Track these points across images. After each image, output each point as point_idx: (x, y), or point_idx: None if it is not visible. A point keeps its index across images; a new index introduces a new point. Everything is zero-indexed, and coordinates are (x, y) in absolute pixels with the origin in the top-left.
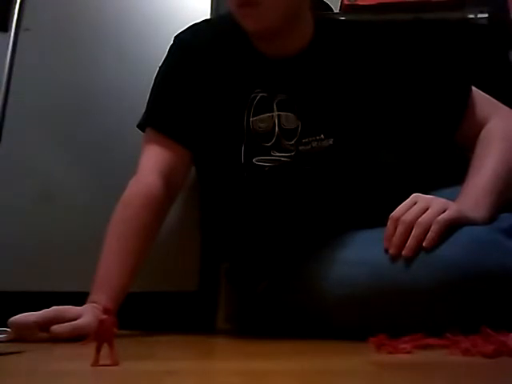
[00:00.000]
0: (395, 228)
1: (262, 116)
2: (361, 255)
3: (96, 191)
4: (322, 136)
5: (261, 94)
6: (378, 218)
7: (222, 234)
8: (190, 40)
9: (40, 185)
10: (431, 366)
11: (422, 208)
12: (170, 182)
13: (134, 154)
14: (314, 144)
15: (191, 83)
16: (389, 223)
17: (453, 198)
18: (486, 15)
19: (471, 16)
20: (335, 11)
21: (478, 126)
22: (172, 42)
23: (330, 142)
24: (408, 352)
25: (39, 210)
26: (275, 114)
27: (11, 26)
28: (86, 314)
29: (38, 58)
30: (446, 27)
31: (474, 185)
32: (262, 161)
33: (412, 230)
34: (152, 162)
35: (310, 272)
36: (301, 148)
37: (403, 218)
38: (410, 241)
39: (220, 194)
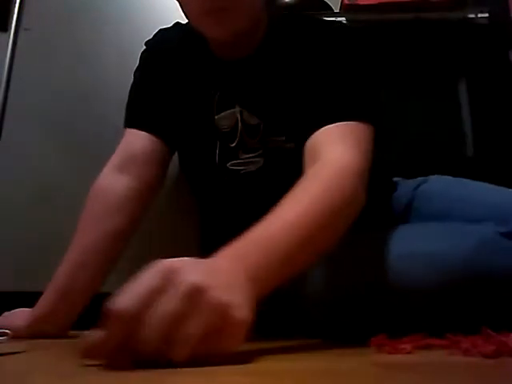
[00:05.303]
0: None
1: (224, 113)
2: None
3: None
4: (284, 138)
5: (221, 95)
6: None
7: (220, 235)
8: (157, 44)
9: (40, 185)
10: (431, 366)
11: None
12: (145, 175)
13: None
14: (278, 144)
15: (160, 85)
16: None
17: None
18: (486, 15)
19: (471, 16)
20: (335, 11)
21: (321, 145)
22: (143, 48)
23: (292, 145)
24: (408, 352)
25: (39, 209)
26: (237, 109)
27: (11, 26)
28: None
29: (38, 58)
30: (446, 27)
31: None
32: (236, 164)
33: None
34: (123, 155)
35: (312, 273)
36: (267, 146)
37: None
38: None
39: (207, 198)
